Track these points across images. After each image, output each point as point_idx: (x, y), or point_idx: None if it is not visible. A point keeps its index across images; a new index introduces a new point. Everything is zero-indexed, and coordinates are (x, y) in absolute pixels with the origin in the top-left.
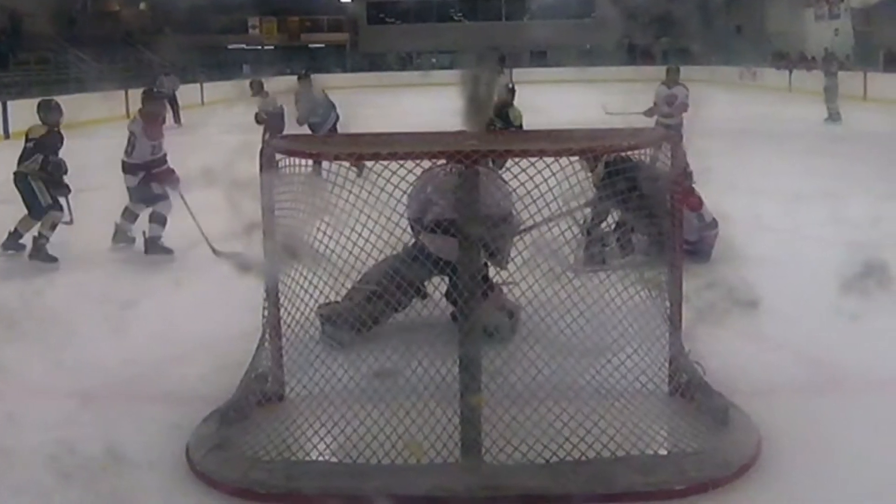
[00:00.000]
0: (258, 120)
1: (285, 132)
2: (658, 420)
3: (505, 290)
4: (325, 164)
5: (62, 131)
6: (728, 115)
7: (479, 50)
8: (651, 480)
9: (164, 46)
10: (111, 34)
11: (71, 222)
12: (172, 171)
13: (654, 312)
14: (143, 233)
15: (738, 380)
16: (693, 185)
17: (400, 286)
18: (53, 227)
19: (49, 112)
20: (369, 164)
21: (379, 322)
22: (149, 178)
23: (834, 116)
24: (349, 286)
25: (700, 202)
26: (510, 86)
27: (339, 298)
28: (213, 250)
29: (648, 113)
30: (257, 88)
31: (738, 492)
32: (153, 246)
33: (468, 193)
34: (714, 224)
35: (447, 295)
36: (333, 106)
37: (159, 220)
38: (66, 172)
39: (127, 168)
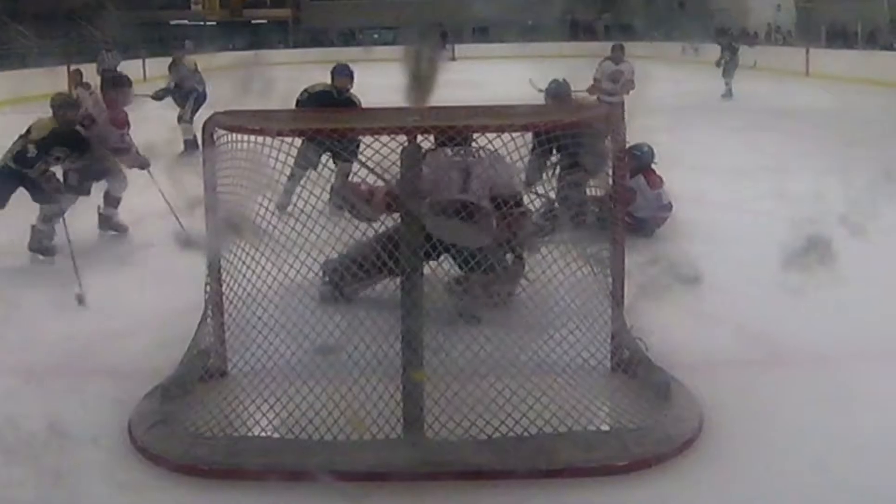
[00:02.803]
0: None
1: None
2: (600, 396)
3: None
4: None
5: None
6: (670, 90)
7: (422, 26)
8: (593, 456)
9: (106, 22)
10: (53, 10)
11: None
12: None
13: (597, 288)
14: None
15: (680, 355)
16: (654, 165)
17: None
18: None
19: (68, 108)
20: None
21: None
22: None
23: (727, 93)
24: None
25: (660, 181)
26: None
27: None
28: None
29: (592, 90)
30: (77, 79)
31: (680, 467)
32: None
33: (411, 169)
34: (668, 207)
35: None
36: (193, 88)
37: (113, 202)
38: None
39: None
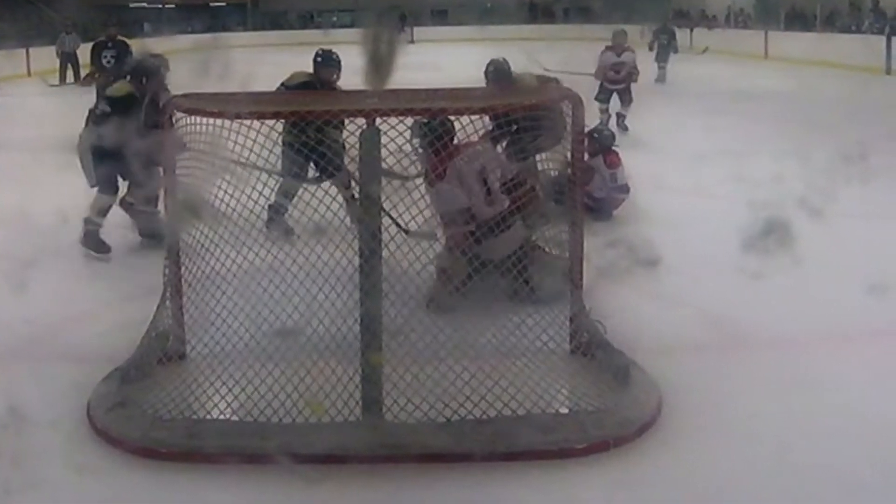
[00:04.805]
0: None
1: None
2: (559, 379)
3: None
4: None
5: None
6: None
7: (380, 9)
8: (552, 439)
9: (64, 5)
10: None
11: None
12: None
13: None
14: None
15: (639, 338)
16: (615, 147)
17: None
18: (102, 212)
19: (146, 75)
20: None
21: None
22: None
23: (660, 78)
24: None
25: (619, 161)
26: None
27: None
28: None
29: (597, 75)
30: None
31: (638, 450)
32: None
33: (370, 153)
34: (625, 189)
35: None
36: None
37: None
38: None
39: None
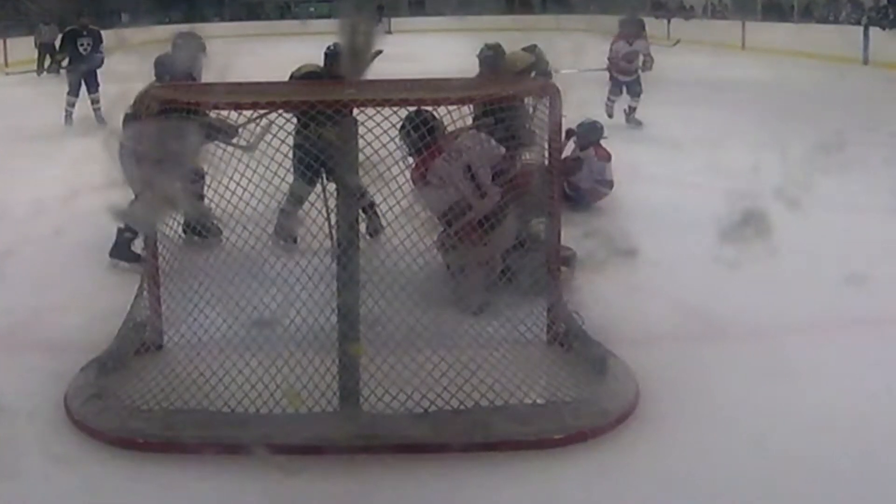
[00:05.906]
0: None
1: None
2: (536, 369)
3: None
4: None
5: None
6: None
7: None
8: (529, 429)
9: None
10: None
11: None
12: None
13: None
14: None
15: (616, 328)
16: (603, 140)
17: None
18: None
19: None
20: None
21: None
22: None
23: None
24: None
25: (608, 156)
26: None
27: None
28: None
29: (611, 66)
30: None
31: (616, 441)
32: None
33: (346, 141)
34: (609, 184)
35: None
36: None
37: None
38: None
39: None
